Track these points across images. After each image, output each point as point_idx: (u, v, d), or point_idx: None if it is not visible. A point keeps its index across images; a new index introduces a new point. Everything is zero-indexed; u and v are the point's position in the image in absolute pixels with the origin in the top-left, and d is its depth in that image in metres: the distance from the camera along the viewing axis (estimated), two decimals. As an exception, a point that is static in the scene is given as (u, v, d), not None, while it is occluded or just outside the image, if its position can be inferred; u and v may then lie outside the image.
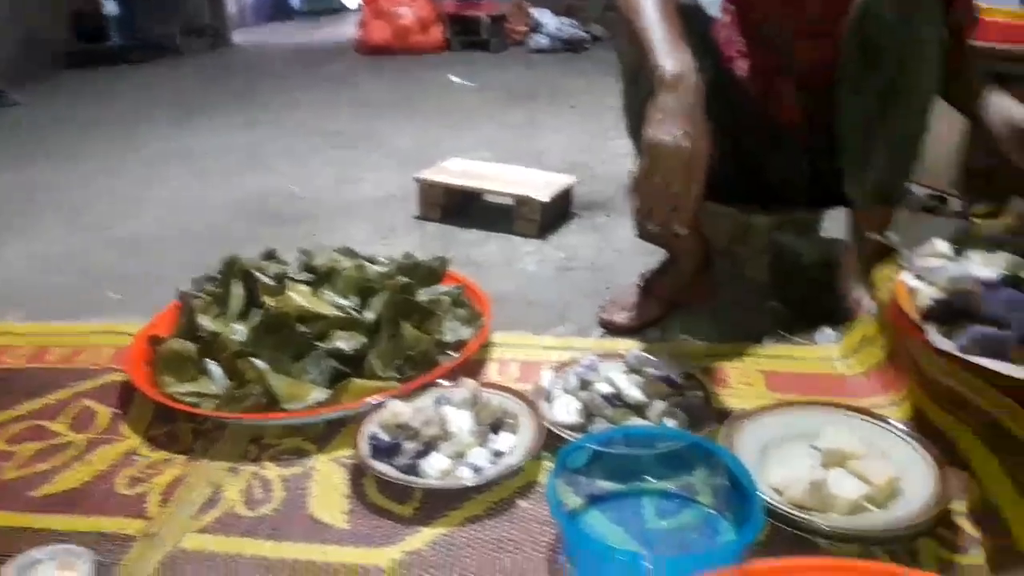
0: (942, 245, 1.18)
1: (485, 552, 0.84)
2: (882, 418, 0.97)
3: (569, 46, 4.88)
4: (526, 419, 1.02)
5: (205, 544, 0.87)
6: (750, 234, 1.50)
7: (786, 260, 1.51)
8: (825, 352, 1.24)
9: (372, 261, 1.35)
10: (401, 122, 3.11)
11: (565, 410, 1.02)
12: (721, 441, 0.93)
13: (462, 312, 1.27)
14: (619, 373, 1.06)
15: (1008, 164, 1.15)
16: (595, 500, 0.89)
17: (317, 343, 1.12)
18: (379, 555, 0.84)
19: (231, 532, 0.89)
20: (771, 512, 0.83)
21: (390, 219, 1.99)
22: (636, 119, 1.09)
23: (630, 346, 1.24)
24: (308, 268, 1.30)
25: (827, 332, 1.28)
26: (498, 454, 0.97)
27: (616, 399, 1.03)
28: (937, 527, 0.83)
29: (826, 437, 0.92)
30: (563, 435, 0.98)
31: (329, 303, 1.20)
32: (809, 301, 1.38)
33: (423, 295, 1.27)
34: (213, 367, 1.12)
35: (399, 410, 1.00)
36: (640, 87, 1.12)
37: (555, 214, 1.91)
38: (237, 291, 1.22)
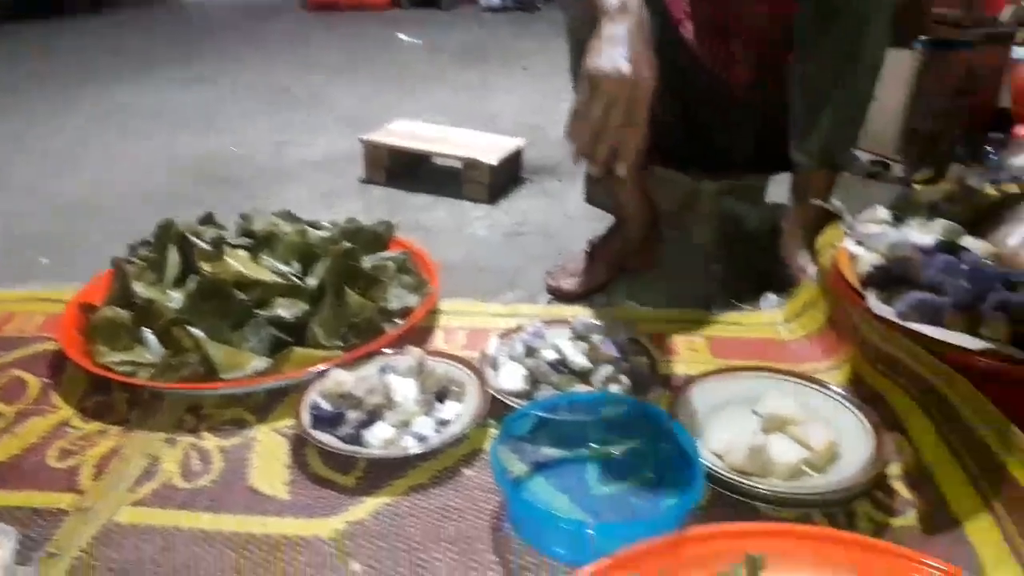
0: (883, 211, 1.21)
1: (429, 521, 0.83)
2: (822, 383, 0.99)
3: (521, 5, 4.87)
4: (472, 387, 1.01)
5: (141, 517, 0.84)
6: (697, 200, 1.50)
7: (732, 226, 1.52)
8: (769, 317, 1.25)
9: (315, 226, 1.31)
10: (348, 82, 3.03)
11: (511, 377, 1.01)
12: (665, 407, 0.94)
13: (408, 279, 1.25)
14: (565, 340, 1.06)
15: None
16: (540, 467, 0.89)
17: (257, 311, 1.09)
18: (321, 526, 0.83)
19: (168, 505, 0.86)
20: (713, 477, 0.84)
21: (335, 183, 1.95)
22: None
23: (577, 312, 1.24)
24: (247, 233, 1.26)
25: (771, 298, 1.29)
26: (443, 423, 0.96)
27: (562, 365, 1.02)
28: (873, 490, 0.84)
29: (767, 402, 0.93)
30: (509, 402, 0.97)
31: (269, 269, 1.16)
32: (754, 267, 1.39)
33: (367, 261, 1.24)
34: (148, 335, 1.09)
35: (342, 379, 0.98)
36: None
37: (505, 178, 1.89)
38: (173, 257, 1.18)
